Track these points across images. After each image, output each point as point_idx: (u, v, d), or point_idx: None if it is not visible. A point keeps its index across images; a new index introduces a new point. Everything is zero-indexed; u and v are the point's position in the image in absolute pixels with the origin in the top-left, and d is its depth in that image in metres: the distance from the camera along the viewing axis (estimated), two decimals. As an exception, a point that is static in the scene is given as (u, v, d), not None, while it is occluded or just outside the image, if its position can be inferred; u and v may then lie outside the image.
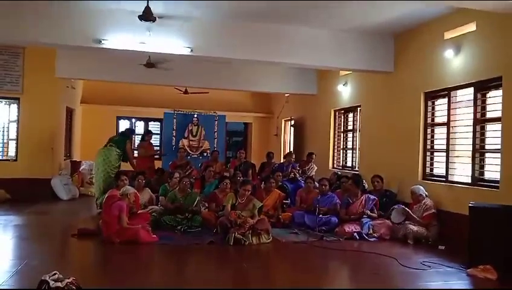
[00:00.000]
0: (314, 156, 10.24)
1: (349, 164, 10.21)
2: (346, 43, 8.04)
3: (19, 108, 10.12)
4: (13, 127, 10.30)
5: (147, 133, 10.49)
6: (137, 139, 12.37)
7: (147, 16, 6.27)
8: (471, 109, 6.48)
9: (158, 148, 13.47)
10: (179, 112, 13.24)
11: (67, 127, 11.87)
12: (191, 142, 13.13)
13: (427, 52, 7.33)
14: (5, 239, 6.40)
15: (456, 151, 6.88)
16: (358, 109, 9.68)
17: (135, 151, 10.25)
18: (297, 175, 9.53)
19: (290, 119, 13.55)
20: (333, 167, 10.61)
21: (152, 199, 7.67)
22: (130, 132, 9.76)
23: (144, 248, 5.93)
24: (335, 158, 10.79)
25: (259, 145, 15.74)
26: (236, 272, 5.26)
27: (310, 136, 12.01)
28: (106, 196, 6.84)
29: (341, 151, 10.64)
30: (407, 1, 6.49)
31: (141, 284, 4.48)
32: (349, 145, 10.24)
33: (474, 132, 6.36)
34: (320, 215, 7.09)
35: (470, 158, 6.42)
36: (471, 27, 6.43)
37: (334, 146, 10.80)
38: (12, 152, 10.28)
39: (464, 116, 6.72)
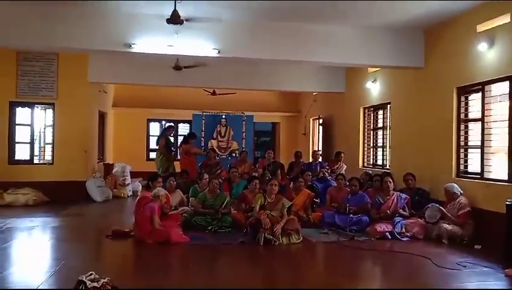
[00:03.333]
0: (342, 155, 10.13)
1: (379, 162, 10.05)
2: (375, 40, 7.92)
3: (54, 113, 10.44)
4: (49, 132, 10.64)
5: (191, 137, 11.10)
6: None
7: (174, 19, 6.37)
8: (507, 104, 6.26)
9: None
10: (207, 113, 13.36)
11: (99, 131, 12.18)
12: (219, 142, 13.24)
13: (459, 46, 7.13)
14: (43, 240, 6.65)
15: (491, 148, 6.67)
16: (388, 106, 9.51)
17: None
18: (327, 174, 9.45)
19: (318, 118, 13.45)
20: (363, 166, 10.47)
21: (183, 200, 7.77)
22: (164, 130, 11.30)
23: (175, 248, 6.03)
24: (365, 156, 10.63)
25: (288, 144, 15.69)
26: (266, 272, 5.28)
27: (339, 135, 11.88)
28: (138, 197, 6.98)
29: (371, 149, 10.49)
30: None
31: (174, 283, 4.55)
32: (380, 143, 10.10)
33: (511, 127, 6.14)
34: (351, 215, 7.02)
35: (507, 154, 6.21)
36: (505, 19, 6.21)
37: (363, 144, 10.64)
38: (48, 156, 10.62)
39: (500, 111, 6.50)
